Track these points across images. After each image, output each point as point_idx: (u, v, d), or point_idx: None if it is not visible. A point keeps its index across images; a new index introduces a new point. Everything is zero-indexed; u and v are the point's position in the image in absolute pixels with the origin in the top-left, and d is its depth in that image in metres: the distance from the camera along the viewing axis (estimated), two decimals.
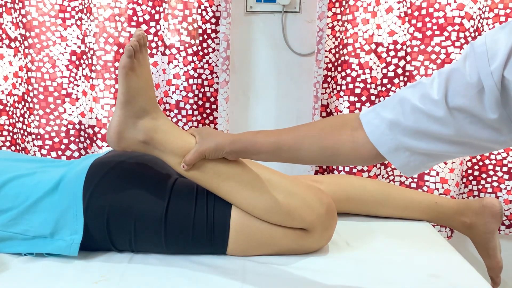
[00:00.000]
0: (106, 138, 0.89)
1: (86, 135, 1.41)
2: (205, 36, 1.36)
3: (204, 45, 1.36)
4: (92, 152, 1.40)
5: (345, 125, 0.74)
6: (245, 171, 0.89)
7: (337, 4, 1.33)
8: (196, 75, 1.36)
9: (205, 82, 1.38)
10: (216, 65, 1.39)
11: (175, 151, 0.87)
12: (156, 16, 1.36)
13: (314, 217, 0.89)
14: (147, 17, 1.36)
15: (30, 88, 1.40)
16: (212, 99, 1.40)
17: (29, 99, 1.40)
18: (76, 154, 1.44)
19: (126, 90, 0.84)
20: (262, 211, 0.88)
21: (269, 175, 0.90)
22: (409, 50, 1.30)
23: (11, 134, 1.38)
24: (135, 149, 0.89)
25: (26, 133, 1.42)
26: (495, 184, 1.39)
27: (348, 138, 0.72)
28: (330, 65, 1.38)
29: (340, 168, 1.34)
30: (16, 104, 1.39)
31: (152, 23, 1.36)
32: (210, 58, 1.38)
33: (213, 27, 1.36)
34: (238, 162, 0.90)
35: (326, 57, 1.37)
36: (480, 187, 1.42)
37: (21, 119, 1.41)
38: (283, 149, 0.80)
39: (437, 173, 1.31)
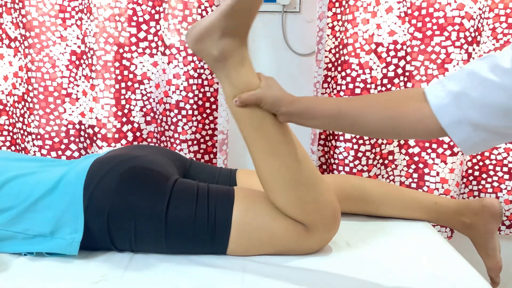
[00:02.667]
0: (188, 30, 0.87)
1: (86, 135, 1.41)
2: None
3: None
4: (92, 152, 1.40)
5: (412, 97, 0.72)
6: (285, 138, 0.88)
7: (337, 4, 1.33)
8: (196, 75, 1.36)
9: (205, 82, 1.38)
10: None
11: (236, 83, 0.86)
12: (156, 16, 1.36)
13: (319, 216, 0.89)
14: (147, 17, 1.36)
15: (30, 88, 1.40)
16: (212, 99, 1.40)
17: (29, 99, 1.40)
18: (76, 154, 1.44)
19: (236, 1, 0.80)
20: (279, 185, 0.88)
21: (302, 156, 0.89)
22: (409, 50, 1.30)
23: (11, 134, 1.38)
24: (203, 58, 0.87)
25: (26, 133, 1.42)
26: (495, 184, 1.39)
27: (415, 109, 0.70)
28: (330, 65, 1.38)
29: (340, 168, 1.34)
30: (16, 104, 1.39)
31: (152, 23, 1.36)
32: None
33: None
34: (285, 128, 0.89)
35: (326, 57, 1.37)
36: (480, 187, 1.42)
37: (21, 119, 1.41)
38: (343, 115, 0.76)
39: (437, 173, 1.31)
